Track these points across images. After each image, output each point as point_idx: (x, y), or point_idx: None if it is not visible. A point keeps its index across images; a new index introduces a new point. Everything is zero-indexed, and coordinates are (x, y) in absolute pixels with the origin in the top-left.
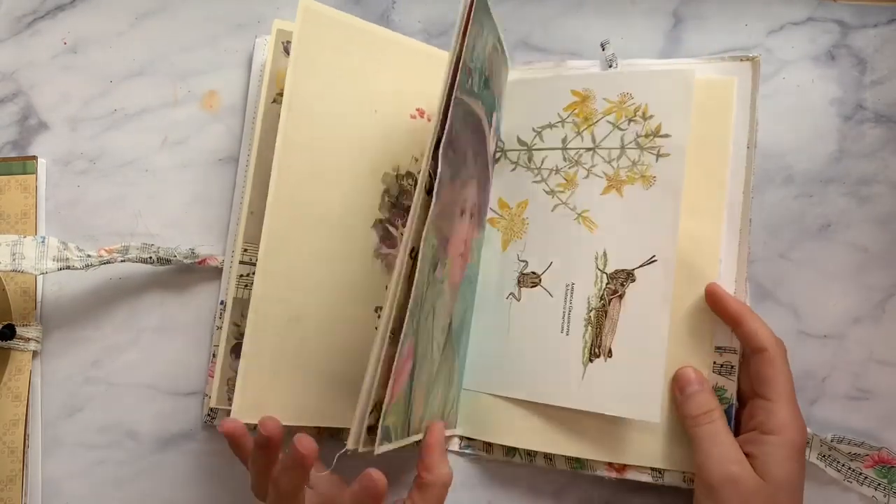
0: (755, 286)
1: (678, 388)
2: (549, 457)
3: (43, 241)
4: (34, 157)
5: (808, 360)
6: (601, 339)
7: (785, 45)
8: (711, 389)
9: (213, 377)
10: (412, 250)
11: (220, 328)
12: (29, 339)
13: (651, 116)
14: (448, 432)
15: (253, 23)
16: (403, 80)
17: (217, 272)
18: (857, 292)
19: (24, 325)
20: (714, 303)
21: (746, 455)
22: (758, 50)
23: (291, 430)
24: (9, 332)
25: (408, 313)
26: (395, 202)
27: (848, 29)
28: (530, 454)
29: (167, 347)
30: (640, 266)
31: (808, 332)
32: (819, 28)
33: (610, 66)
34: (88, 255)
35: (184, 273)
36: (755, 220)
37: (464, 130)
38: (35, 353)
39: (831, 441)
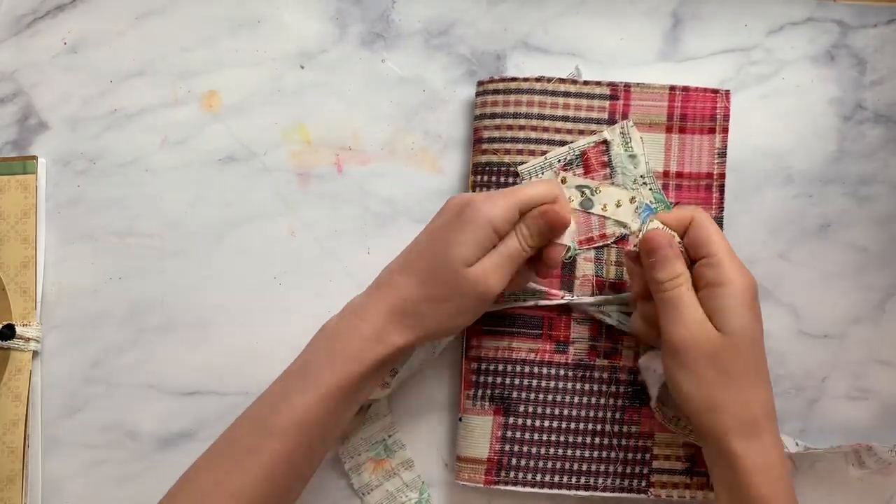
0: None
1: (646, 251)
2: None
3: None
4: (34, 157)
5: (808, 360)
6: None
7: (784, 45)
8: (679, 253)
9: None
10: None
11: None
12: (29, 339)
13: None
14: None
15: (253, 23)
16: None
17: None
18: (856, 292)
19: (24, 325)
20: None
21: (706, 313)
22: (757, 50)
23: None
24: (9, 332)
25: None
26: None
27: (847, 29)
28: None
29: (167, 347)
30: None
31: (808, 332)
32: (819, 28)
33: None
34: None
35: (183, 271)
36: (755, 219)
37: None
38: (35, 353)
39: (805, 450)
